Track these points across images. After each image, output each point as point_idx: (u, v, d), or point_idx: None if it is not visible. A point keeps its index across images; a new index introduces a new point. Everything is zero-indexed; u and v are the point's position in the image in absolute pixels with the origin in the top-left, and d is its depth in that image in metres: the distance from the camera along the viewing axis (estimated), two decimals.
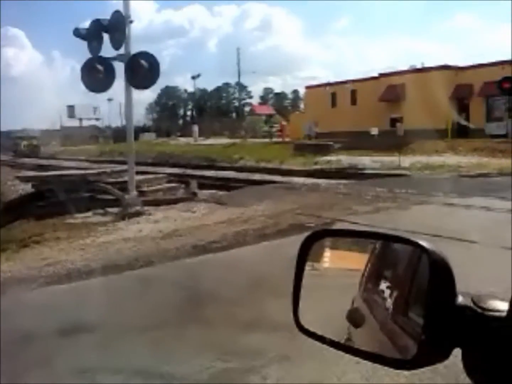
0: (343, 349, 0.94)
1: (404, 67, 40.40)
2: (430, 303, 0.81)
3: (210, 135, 55.55)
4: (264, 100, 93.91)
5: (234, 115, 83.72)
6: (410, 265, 0.90)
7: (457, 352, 0.80)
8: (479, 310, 0.79)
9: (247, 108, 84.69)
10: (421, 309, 0.83)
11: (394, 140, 28.49)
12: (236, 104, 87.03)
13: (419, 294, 0.86)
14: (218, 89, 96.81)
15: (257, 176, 20.09)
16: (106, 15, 11.14)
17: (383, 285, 0.96)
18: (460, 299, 0.81)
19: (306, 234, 1.04)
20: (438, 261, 0.82)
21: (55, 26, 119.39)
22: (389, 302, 0.92)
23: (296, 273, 1.03)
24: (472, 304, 0.80)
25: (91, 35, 11.10)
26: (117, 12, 10.91)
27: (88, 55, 11.13)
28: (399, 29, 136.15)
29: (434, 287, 0.81)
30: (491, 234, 6.86)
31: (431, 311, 0.80)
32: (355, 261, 1.02)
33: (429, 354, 0.80)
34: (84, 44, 11.21)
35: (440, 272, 0.81)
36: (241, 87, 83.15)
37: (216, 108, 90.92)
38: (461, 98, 36.66)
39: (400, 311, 0.90)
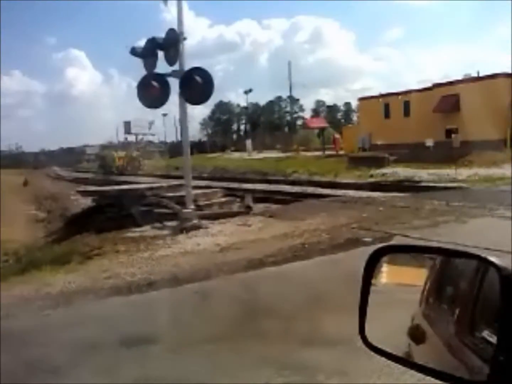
0: (410, 366, 0.93)
1: (458, 76, 39.53)
2: (503, 322, 0.77)
3: (263, 149, 55.78)
4: (316, 113, 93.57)
5: (286, 128, 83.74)
6: (475, 281, 0.87)
7: None
8: None
9: (299, 122, 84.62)
10: (491, 328, 0.80)
11: (450, 151, 27.90)
12: (289, 117, 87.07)
13: (486, 312, 0.83)
14: (270, 103, 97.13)
15: (311, 190, 19.92)
16: (160, 32, 11.48)
17: (445, 302, 0.95)
18: None
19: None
20: (510, 277, 0.77)
21: (113, 45, 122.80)
22: (453, 319, 0.90)
23: (362, 290, 1.02)
24: None
25: (147, 52, 11.41)
26: (171, 30, 11.20)
27: (143, 72, 11.46)
28: (451, 37, 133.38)
29: (506, 305, 0.76)
30: None
31: (505, 330, 0.76)
32: (413, 276, 1.02)
33: (503, 376, 0.76)
34: (140, 61, 11.55)
35: None
36: (293, 100, 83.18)
37: (269, 122, 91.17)
38: None
39: (466, 329, 0.87)
